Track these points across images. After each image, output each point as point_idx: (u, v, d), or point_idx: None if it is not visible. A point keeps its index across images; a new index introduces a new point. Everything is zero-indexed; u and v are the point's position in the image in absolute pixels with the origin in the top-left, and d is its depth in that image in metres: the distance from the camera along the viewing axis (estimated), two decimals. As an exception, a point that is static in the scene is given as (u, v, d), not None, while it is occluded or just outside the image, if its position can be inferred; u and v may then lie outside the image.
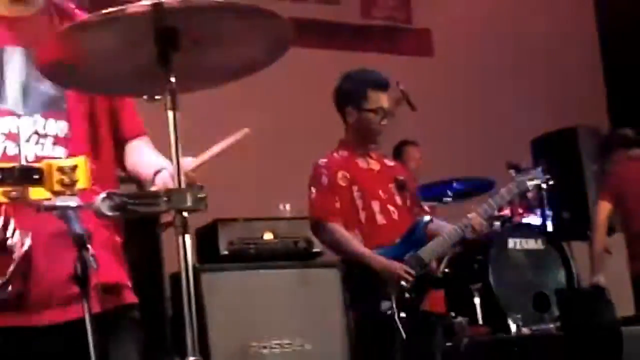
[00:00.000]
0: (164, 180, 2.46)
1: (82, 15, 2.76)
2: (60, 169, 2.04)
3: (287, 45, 2.26)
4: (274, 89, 6.51)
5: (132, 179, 2.78)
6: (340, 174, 4.64)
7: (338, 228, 4.57)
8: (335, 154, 4.76)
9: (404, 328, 4.28)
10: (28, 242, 2.32)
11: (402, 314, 4.33)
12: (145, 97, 2.21)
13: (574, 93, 8.91)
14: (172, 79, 2.12)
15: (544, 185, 5.27)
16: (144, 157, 2.75)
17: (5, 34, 2.61)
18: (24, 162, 2.09)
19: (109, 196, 2.04)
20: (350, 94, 4.72)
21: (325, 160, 4.71)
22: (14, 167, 2.02)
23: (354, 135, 4.75)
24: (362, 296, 4.54)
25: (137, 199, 2.10)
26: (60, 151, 2.57)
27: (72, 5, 2.82)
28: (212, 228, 5.64)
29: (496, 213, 5.43)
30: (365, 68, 4.86)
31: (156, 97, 2.16)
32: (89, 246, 2.09)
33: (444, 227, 4.66)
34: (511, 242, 6.11)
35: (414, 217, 4.70)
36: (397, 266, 4.42)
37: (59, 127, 2.60)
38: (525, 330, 5.74)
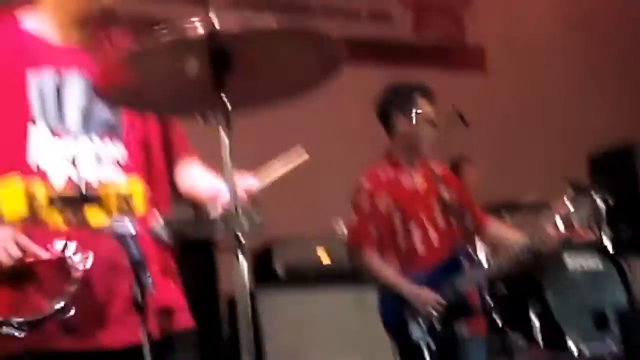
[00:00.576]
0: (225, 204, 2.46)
1: (132, 42, 2.80)
2: (119, 195, 2.05)
3: (340, 67, 2.25)
4: (326, 106, 6.50)
5: (185, 200, 2.80)
6: (382, 200, 4.56)
7: (371, 255, 4.52)
8: (380, 173, 4.66)
9: (433, 356, 4.24)
10: (89, 263, 2.33)
11: (433, 343, 4.28)
12: (199, 118, 2.21)
13: (631, 108, 8.81)
14: (226, 101, 2.12)
15: (601, 204, 5.18)
16: (199, 179, 2.78)
17: (64, 59, 2.66)
18: (83, 187, 2.09)
19: (166, 221, 2.05)
20: (398, 102, 4.64)
21: (369, 183, 4.61)
22: (74, 194, 2.03)
23: (402, 145, 4.66)
24: (394, 324, 4.49)
25: (194, 224, 2.10)
26: (118, 174, 2.59)
27: (123, 34, 2.86)
28: (268, 249, 5.64)
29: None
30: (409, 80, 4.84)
31: (210, 118, 2.16)
32: (147, 271, 2.09)
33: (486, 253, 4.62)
34: (569, 262, 6.02)
35: (456, 238, 4.63)
36: (428, 294, 4.37)
37: (117, 150, 2.63)
38: (584, 350, 5.66)
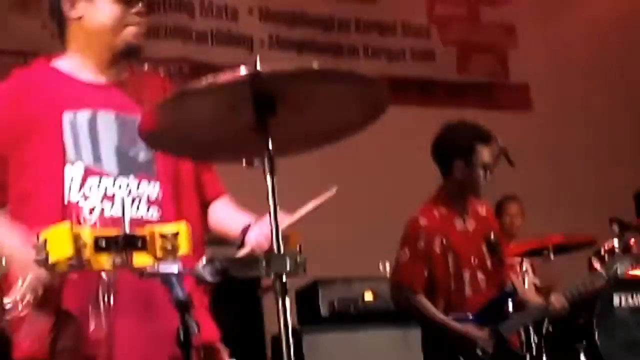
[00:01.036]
0: (255, 239, 2.48)
1: (167, 82, 2.88)
2: (163, 236, 2.08)
3: (384, 108, 2.27)
4: (370, 146, 6.51)
5: (218, 239, 2.83)
6: (437, 241, 4.54)
7: (417, 297, 4.50)
8: (434, 212, 4.63)
9: None
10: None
11: None
12: (243, 162, 2.24)
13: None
14: (270, 145, 2.15)
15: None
16: (228, 215, 2.82)
17: (97, 99, 2.72)
18: (127, 227, 2.12)
19: (210, 262, 2.07)
20: (458, 147, 4.61)
21: (425, 221, 4.58)
22: (118, 235, 2.06)
23: (457, 188, 4.64)
24: None
25: (237, 263, 2.12)
26: (153, 212, 2.66)
27: (158, 73, 2.93)
28: (312, 288, 5.64)
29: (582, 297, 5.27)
30: (467, 120, 4.78)
31: (254, 162, 2.19)
32: (191, 311, 2.11)
33: (530, 299, 4.59)
34: (617, 299, 5.96)
35: (502, 279, 4.61)
36: (475, 333, 4.34)
37: (151, 189, 2.69)
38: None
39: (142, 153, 2.71)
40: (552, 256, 6.28)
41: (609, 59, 8.74)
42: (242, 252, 2.43)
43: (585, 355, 5.61)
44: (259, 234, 2.48)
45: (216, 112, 2.19)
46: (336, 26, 7.85)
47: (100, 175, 2.64)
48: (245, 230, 2.55)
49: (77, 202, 2.61)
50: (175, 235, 2.09)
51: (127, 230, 2.08)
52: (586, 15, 8.53)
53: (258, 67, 2.07)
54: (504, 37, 8.66)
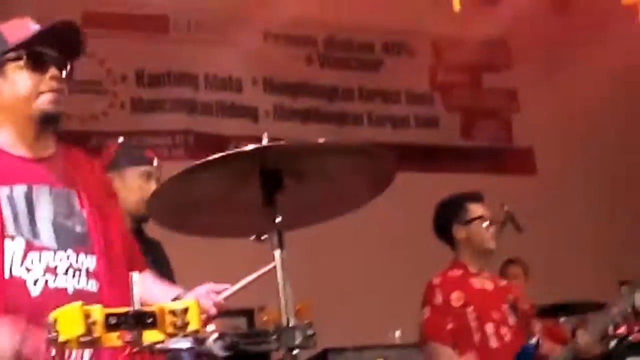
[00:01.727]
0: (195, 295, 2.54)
1: (93, 161, 2.91)
2: (172, 312, 2.08)
3: (391, 179, 2.29)
4: (376, 213, 6.52)
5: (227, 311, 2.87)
6: (454, 295, 4.57)
7: (449, 351, 4.50)
8: (449, 273, 4.70)
9: None
10: None
11: None
12: (252, 238, 2.25)
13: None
14: (278, 219, 2.16)
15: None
16: (156, 287, 2.91)
17: (31, 173, 2.72)
18: (137, 304, 2.12)
19: (221, 336, 2.08)
20: (451, 214, 4.72)
21: (439, 278, 4.64)
22: (128, 312, 2.06)
23: (467, 251, 4.70)
24: None
25: (247, 338, 2.12)
26: (92, 284, 2.68)
27: (83, 151, 2.96)
28: (323, 358, 5.62)
29: (610, 331, 5.28)
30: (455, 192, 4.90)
31: (262, 237, 2.21)
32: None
33: (553, 350, 4.58)
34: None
35: (526, 338, 4.61)
36: None
37: (89, 261, 2.71)
38: None
39: (78, 226, 2.73)
40: (561, 320, 6.26)
41: (612, 119, 8.78)
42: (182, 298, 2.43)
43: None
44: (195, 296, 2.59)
45: (223, 188, 2.22)
46: (340, 95, 7.92)
47: (41, 250, 2.65)
48: (175, 300, 2.64)
49: (20, 276, 2.61)
50: (185, 311, 2.09)
51: (137, 307, 2.08)
52: (587, 77, 8.57)
53: (264, 143, 2.10)
54: (506, 102, 8.73)
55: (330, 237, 6.49)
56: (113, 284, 2.71)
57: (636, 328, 6.34)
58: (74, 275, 2.66)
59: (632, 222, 8.41)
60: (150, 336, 2.08)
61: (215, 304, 2.69)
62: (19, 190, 2.69)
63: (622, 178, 8.66)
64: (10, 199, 2.67)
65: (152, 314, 2.07)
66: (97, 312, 2.04)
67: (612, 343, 6.02)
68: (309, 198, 2.30)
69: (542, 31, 8.52)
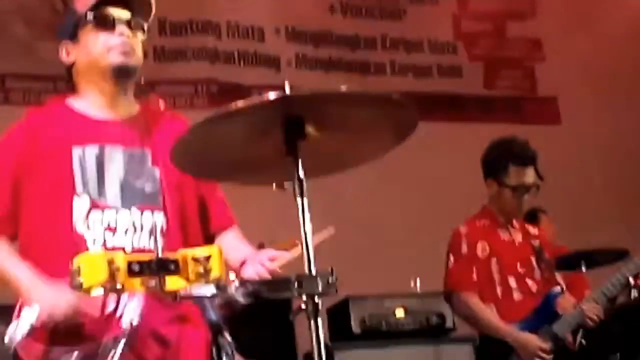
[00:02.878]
0: (247, 275, 2.63)
1: (178, 119, 2.94)
2: (195, 259, 2.10)
3: (413, 128, 2.28)
4: (399, 163, 6.52)
5: None
6: (480, 245, 4.57)
7: (473, 299, 4.51)
8: (477, 222, 4.68)
9: None
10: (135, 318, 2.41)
11: None
12: (274, 186, 2.26)
13: None
14: (300, 167, 2.17)
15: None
16: (231, 249, 2.89)
17: (106, 134, 2.82)
18: (160, 252, 2.14)
19: (242, 284, 2.09)
20: (491, 166, 4.63)
21: (466, 228, 4.63)
22: (151, 259, 2.08)
23: (495, 205, 4.68)
24: None
25: (269, 285, 2.14)
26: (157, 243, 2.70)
27: (170, 110, 3.01)
28: (344, 306, 5.65)
29: (631, 282, 5.26)
30: (514, 137, 4.76)
31: (285, 185, 2.21)
32: (225, 333, 2.14)
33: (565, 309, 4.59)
34: (651, 311, 5.92)
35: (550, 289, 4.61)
36: (534, 342, 4.33)
37: (156, 219, 2.77)
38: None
39: (148, 185, 2.81)
40: (584, 269, 6.26)
41: (635, 67, 8.69)
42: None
43: (618, 369, 5.57)
44: (251, 273, 2.65)
45: (246, 136, 2.22)
46: (362, 44, 7.86)
47: (104, 208, 2.74)
48: (241, 266, 2.71)
49: (83, 234, 2.71)
50: (208, 258, 2.11)
51: (160, 254, 2.11)
52: (614, 26, 8.49)
53: (287, 91, 2.10)
54: (530, 51, 8.65)
55: (352, 186, 6.51)
56: (187, 243, 2.74)
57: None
58: (134, 234, 2.73)
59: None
60: (172, 283, 2.11)
61: (270, 272, 2.70)
62: (91, 151, 2.79)
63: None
64: (82, 159, 2.77)
65: (174, 261, 2.09)
66: (120, 259, 2.07)
67: (634, 293, 6.03)
68: (331, 147, 2.30)
69: (568, -22, 8.44)
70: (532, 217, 6.92)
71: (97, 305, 2.46)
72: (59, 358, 2.46)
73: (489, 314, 4.47)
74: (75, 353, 2.44)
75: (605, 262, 6.37)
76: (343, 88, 2.17)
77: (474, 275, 4.53)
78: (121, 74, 2.85)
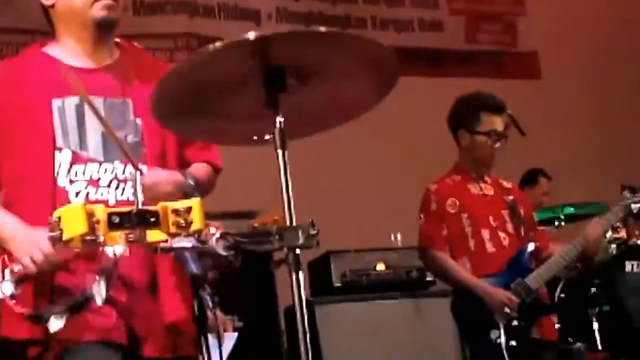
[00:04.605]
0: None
1: (160, 61, 2.89)
2: (176, 211, 2.09)
3: (395, 79, 2.26)
4: (380, 117, 6.50)
5: (231, 214, 2.85)
6: (449, 201, 4.60)
7: (442, 256, 4.53)
8: (447, 179, 4.70)
9: (513, 356, 4.23)
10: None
11: (512, 342, 4.27)
12: (255, 138, 2.25)
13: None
14: (280, 120, 2.15)
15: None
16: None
17: (85, 84, 2.70)
18: (140, 204, 2.13)
19: (222, 236, 2.09)
20: (463, 117, 4.65)
21: (436, 185, 4.66)
22: (131, 211, 2.07)
23: (467, 158, 4.69)
24: (471, 326, 4.50)
25: (250, 237, 2.14)
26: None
27: (150, 52, 2.94)
28: (325, 260, 5.67)
29: (610, 232, 5.29)
30: (480, 91, 4.80)
31: (266, 137, 2.20)
32: (206, 285, 2.13)
33: (555, 250, 4.59)
34: (628, 265, 5.96)
35: (526, 243, 4.63)
36: (501, 294, 4.36)
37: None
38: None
39: (130, 136, 2.77)
40: (563, 223, 6.30)
41: (619, 25, 8.69)
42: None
43: (597, 321, 5.62)
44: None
45: (226, 87, 2.20)
46: (344, -2, 7.83)
47: (86, 161, 2.71)
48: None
49: (64, 187, 2.68)
50: (188, 210, 2.10)
51: (140, 206, 2.09)
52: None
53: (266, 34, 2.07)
54: (512, 5, 8.63)
55: (333, 141, 6.47)
56: None
57: (636, 232, 6.39)
58: (117, 187, 2.70)
59: (635, 126, 8.39)
60: (153, 235, 2.10)
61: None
62: (71, 102, 2.73)
63: (627, 84, 8.62)
64: (61, 111, 2.72)
65: (155, 213, 2.08)
66: (100, 211, 2.06)
67: (612, 247, 6.08)
68: (312, 103, 2.28)
69: None
70: (532, 177, 6.97)
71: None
72: (45, 312, 2.45)
73: (458, 268, 4.50)
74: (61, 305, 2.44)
75: (583, 217, 6.43)
76: (322, 29, 2.15)
77: (444, 232, 4.55)
78: (104, 27, 2.79)
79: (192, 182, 2.69)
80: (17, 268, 2.51)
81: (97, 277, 2.38)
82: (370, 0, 7.98)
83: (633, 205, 4.72)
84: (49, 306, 2.48)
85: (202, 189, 2.75)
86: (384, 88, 2.30)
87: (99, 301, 2.39)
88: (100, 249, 2.25)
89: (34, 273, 2.50)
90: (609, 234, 5.22)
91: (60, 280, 2.58)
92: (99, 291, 2.37)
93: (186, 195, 2.52)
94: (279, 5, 7.53)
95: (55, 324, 2.40)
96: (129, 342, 2.58)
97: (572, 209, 6.40)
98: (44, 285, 2.56)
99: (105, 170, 2.71)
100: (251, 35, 2.06)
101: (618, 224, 5.02)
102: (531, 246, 4.58)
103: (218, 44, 2.08)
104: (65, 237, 2.06)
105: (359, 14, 7.88)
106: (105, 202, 2.65)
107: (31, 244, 2.50)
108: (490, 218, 4.60)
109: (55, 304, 2.48)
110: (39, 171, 2.69)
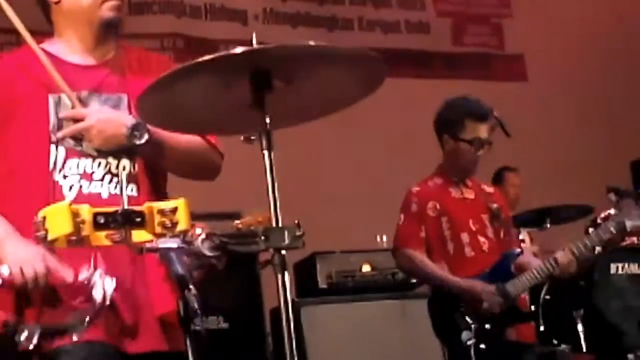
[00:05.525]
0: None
1: (156, 58, 2.89)
2: (161, 212, 2.08)
3: (380, 81, 2.27)
4: (367, 119, 6.53)
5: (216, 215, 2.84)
6: (430, 204, 4.60)
7: (418, 254, 4.52)
8: (429, 182, 4.72)
9: (483, 359, 4.24)
10: (110, 289, 2.38)
11: (482, 345, 4.27)
12: (242, 137, 2.25)
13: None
14: (267, 120, 2.16)
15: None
16: None
17: (82, 80, 2.77)
18: (126, 204, 2.13)
19: (208, 237, 2.08)
20: (447, 123, 4.66)
21: (418, 188, 4.68)
22: (116, 211, 2.07)
23: (450, 162, 4.71)
24: (444, 326, 4.50)
25: (235, 238, 2.13)
26: (132, 188, 2.70)
27: (146, 49, 2.96)
28: (310, 261, 5.67)
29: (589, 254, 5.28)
30: (467, 96, 4.79)
31: (252, 137, 2.20)
32: (191, 287, 2.12)
33: (533, 262, 4.59)
34: (614, 267, 5.97)
35: (506, 248, 4.64)
36: (477, 284, 4.37)
37: (130, 165, 2.74)
38: (631, 358, 5.60)
39: None
40: (548, 225, 6.31)
41: (605, 27, 8.72)
42: None
43: (582, 322, 5.63)
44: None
45: (213, 89, 2.20)
46: (330, -1, 7.83)
47: (80, 156, 2.71)
48: None
49: (58, 181, 2.69)
50: (174, 210, 2.09)
51: (126, 207, 2.09)
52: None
53: (254, 45, 2.08)
54: (498, 7, 8.65)
55: (319, 142, 6.51)
56: (159, 188, 2.78)
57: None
58: (110, 181, 2.70)
59: (620, 128, 8.42)
60: (138, 236, 2.10)
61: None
62: (67, 98, 2.73)
63: (613, 87, 8.65)
64: (58, 106, 2.73)
65: (140, 214, 2.08)
66: (86, 211, 2.05)
67: (597, 249, 6.08)
68: (298, 98, 2.29)
69: None
70: (498, 176, 6.97)
71: (70, 270, 2.43)
72: (18, 327, 2.43)
73: (432, 266, 4.50)
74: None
75: (569, 219, 6.44)
76: (311, 43, 2.16)
77: (422, 234, 4.56)
78: (110, 27, 2.81)
79: (136, 121, 2.66)
80: (4, 270, 2.49)
81: (81, 315, 2.37)
82: (357, 1, 7.99)
83: (628, 223, 4.73)
84: (24, 323, 2.46)
85: (179, 151, 2.76)
86: (369, 88, 2.31)
87: (75, 337, 2.38)
88: (91, 286, 2.27)
89: (18, 285, 2.48)
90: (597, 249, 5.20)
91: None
92: (79, 328, 2.36)
93: (132, 136, 2.60)
94: (265, 6, 7.53)
95: (25, 343, 2.36)
96: (121, 338, 2.57)
97: (559, 211, 6.41)
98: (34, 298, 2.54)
99: (99, 164, 2.71)
100: (239, 49, 2.09)
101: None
102: (516, 251, 4.59)
103: (207, 58, 2.10)
104: (50, 237, 2.05)
105: (345, 15, 7.89)
106: (98, 196, 2.65)
107: (27, 257, 2.48)
108: (470, 222, 4.61)
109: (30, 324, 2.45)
110: (34, 165, 2.69)
